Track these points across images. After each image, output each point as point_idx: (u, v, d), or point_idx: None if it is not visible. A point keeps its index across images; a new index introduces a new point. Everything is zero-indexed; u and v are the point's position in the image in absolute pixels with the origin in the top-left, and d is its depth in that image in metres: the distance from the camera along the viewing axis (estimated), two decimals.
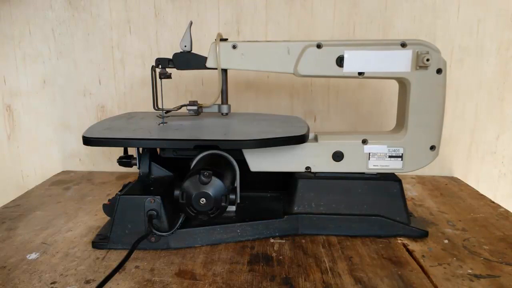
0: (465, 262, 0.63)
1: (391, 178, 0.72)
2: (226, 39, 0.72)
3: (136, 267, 0.61)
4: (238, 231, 0.69)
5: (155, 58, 0.73)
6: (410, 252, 0.66)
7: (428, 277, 0.59)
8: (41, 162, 1.12)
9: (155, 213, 0.65)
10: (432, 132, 0.70)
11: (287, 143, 0.68)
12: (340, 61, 0.68)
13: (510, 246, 0.68)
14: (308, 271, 0.60)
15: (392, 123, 0.79)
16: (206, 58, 0.72)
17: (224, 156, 0.72)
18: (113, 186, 0.98)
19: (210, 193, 0.61)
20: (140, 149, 0.74)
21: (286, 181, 0.78)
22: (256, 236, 0.70)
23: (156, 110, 0.77)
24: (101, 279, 0.55)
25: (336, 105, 1.06)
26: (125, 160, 0.76)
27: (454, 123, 1.05)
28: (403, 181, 0.72)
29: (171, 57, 0.73)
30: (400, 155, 0.71)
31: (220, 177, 0.62)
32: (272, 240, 0.70)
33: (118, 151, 0.77)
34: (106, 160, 1.12)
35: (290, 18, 1.02)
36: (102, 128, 0.74)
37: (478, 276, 0.59)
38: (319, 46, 0.68)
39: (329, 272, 0.60)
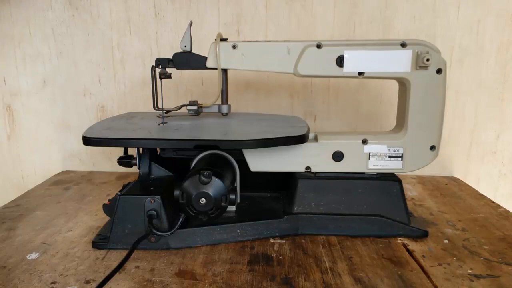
0: (465, 262, 0.63)
1: (391, 178, 0.72)
2: (226, 39, 0.72)
3: (136, 267, 0.61)
4: (238, 231, 0.69)
5: (155, 58, 0.73)
6: (410, 252, 0.66)
7: (428, 277, 0.59)
8: (41, 162, 1.12)
9: (155, 213, 0.65)
10: (432, 132, 0.70)
11: (287, 143, 0.68)
12: (340, 61, 0.68)
13: (510, 246, 0.68)
14: (308, 271, 0.60)
15: (392, 123, 0.79)
16: (206, 58, 0.72)
17: (224, 156, 0.72)
18: (113, 186, 0.98)
19: (210, 193, 0.61)
20: (140, 149, 0.74)
21: (286, 181, 0.78)
22: (256, 236, 0.70)
23: (156, 110, 0.77)
24: (101, 279, 0.55)
25: (336, 105, 1.06)
26: (125, 160, 0.75)
27: (454, 123, 1.05)
28: (403, 181, 0.72)
29: (171, 57, 0.73)
30: (400, 155, 0.71)
31: (220, 177, 0.62)
32: (272, 240, 0.70)
33: (118, 151, 0.77)
34: (106, 160, 1.12)
35: (290, 18, 1.02)
36: (102, 128, 0.74)
37: (478, 276, 0.59)
38: (319, 46, 0.68)
39: (329, 272, 0.60)
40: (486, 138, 1.06)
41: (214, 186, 0.62)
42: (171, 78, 0.74)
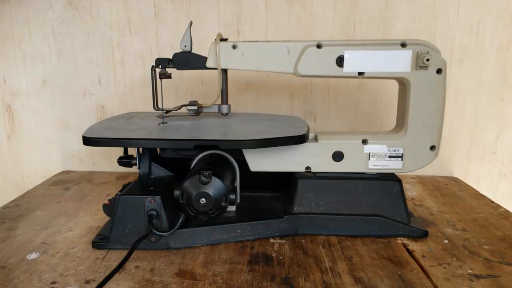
0: (465, 262, 0.63)
1: (391, 178, 0.72)
2: (226, 39, 0.72)
3: (136, 267, 0.61)
4: (238, 231, 0.69)
5: (155, 58, 0.73)
6: (410, 252, 0.66)
7: (428, 277, 0.59)
8: (41, 162, 1.12)
9: (155, 213, 0.65)
10: (432, 132, 0.70)
11: (287, 143, 0.68)
12: (340, 61, 0.68)
13: (510, 246, 0.68)
14: (308, 271, 0.60)
15: (392, 123, 0.79)
16: (206, 58, 0.72)
17: (224, 156, 0.72)
18: (113, 186, 0.98)
19: (210, 193, 0.61)
20: (140, 149, 0.74)
21: (286, 181, 0.78)
22: (256, 236, 0.70)
23: (156, 110, 0.77)
24: (101, 279, 0.55)
25: (336, 105, 1.06)
26: (125, 160, 0.75)
27: (454, 123, 1.05)
28: (403, 181, 0.72)
29: (171, 57, 0.73)
30: (400, 155, 0.71)
31: (220, 177, 0.62)
32: (272, 240, 0.69)
33: (118, 151, 0.77)
34: (106, 160, 1.12)
35: (290, 18, 1.02)
36: (102, 128, 0.74)
37: (478, 276, 0.59)
38: (319, 46, 0.68)
39: (329, 272, 0.60)
40: (486, 138, 1.06)
41: (214, 186, 0.62)
42: (171, 78, 0.74)
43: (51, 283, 0.57)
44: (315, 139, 0.73)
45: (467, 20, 0.99)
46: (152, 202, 0.65)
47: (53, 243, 0.69)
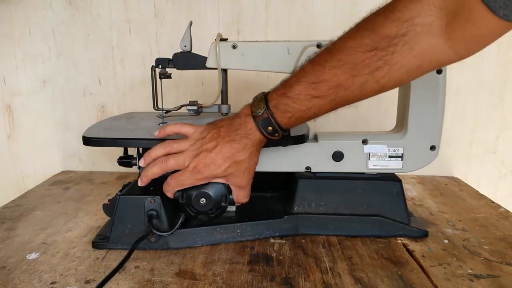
0: (465, 262, 0.63)
1: (391, 178, 0.72)
2: (226, 39, 0.72)
3: (136, 267, 0.61)
4: (238, 231, 0.69)
5: (155, 58, 0.73)
6: (410, 252, 0.66)
7: (428, 277, 0.59)
8: (41, 162, 1.12)
9: (155, 213, 0.65)
10: (432, 132, 0.70)
11: (287, 143, 0.68)
12: None
13: (510, 246, 0.68)
14: (308, 271, 0.60)
15: (392, 123, 0.79)
16: (206, 58, 0.72)
17: None
18: (113, 186, 0.98)
19: (210, 193, 0.61)
20: (140, 149, 0.74)
21: (286, 181, 0.78)
22: (256, 236, 0.70)
23: (156, 110, 0.77)
24: (101, 279, 0.55)
25: None
26: (125, 160, 0.75)
27: (454, 123, 1.05)
28: (403, 181, 0.72)
29: (171, 57, 0.73)
30: (400, 155, 0.71)
31: None
32: (272, 240, 0.69)
33: (118, 151, 0.77)
34: (106, 160, 1.12)
35: (290, 18, 1.01)
36: (102, 128, 0.74)
37: (478, 276, 0.59)
38: (319, 46, 0.68)
39: (329, 272, 0.60)
40: (486, 138, 1.06)
41: (214, 186, 0.62)
42: (171, 78, 0.74)
43: (51, 283, 0.57)
44: (315, 139, 0.73)
45: None
46: (152, 202, 0.65)
47: (53, 243, 0.69)
